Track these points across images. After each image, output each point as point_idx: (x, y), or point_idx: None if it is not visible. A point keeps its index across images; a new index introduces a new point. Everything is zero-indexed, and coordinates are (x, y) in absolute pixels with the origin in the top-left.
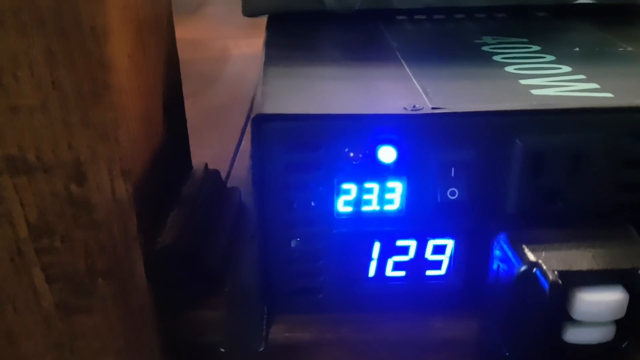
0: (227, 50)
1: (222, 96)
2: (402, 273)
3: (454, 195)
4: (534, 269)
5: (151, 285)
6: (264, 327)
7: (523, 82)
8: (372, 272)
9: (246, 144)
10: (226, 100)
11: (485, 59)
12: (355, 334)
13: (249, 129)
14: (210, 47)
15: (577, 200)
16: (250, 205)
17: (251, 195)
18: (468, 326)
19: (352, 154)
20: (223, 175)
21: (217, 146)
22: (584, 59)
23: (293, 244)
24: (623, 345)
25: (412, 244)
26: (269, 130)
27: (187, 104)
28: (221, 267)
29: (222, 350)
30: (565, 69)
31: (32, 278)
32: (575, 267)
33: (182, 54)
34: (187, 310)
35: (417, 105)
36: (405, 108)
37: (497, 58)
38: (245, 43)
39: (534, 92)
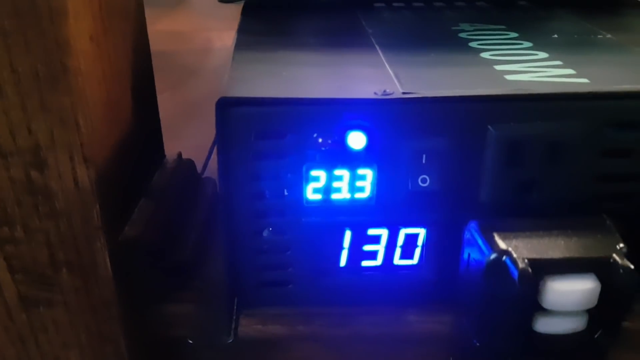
0: (209, 42)
1: (203, 88)
2: (374, 262)
3: (425, 183)
4: (504, 257)
5: (116, 278)
6: (233, 318)
7: (498, 67)
8: (343, 261)
9: None
10: (207, 93)
11: (461, 45)
12: (328, 328)
13: None
14: (192, 39)
15: (552, 191)
16: None
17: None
18: (442, 319)
19: (320, 140)
20: (199, 166)
21: (196, 138)
22: (562, 45)
23: (265, 233)
24: (595, 336)
25: (383, 232)
26: (234, 115)
27: (167, 95)
28: (191, 259)
29: (190, 342)
30: (542, 55)
31: None
32: (546, 256)
33: (164, 45)
34: (154, 305)
35: (387, 90)
36: (375, 93)
37: (473, 44)
38: (229, 36)
39: (508, 77)
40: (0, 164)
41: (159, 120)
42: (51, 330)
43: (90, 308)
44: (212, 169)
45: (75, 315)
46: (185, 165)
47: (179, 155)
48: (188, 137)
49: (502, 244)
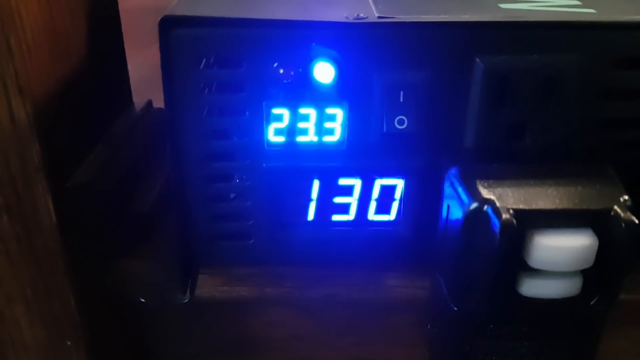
0: None
1: None
2: (345, 217)
3: (402, 124)
4: (485, 207)
5: (62, 227)
6: (189, 276)
7: None
8: (311, 215)
9: None
10: None
11: None
12: (300, 291)
13: None
14: None
15: (546, 136)
16: None
17: None
18: (425, 285)
19: (282, 71)
20: None
21: None
22: None
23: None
24: (591, 303)
25: (356, 183)
26: (180, 38)
27: (155, 50)
28: (151, 213)
29: (142, 300)
30: None
31: None
32: (535, 206)
33: (154, 1)
34: (108, 259)
35: (361, 14)
36: (347, 17)
37: None
38: None
39: (503, 5)
40: None
41: (124, 63)
42: None
43: (34, 259)
44: None
45: (18, 267)
46: (154, 114)
47: (148, 103)
48: None
49: (484, 192)
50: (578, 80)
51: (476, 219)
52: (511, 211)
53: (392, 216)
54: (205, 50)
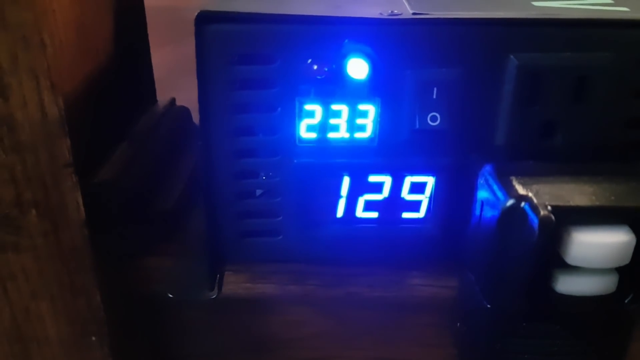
0: None
1: None
2: (374, 214)
3: (435, 121)
4: (523, 203)
5: (89, 223)
6: (217, 271)
7: None
8: (340, 212)
9: None
10: None
11: None
12: (323, 289)
13: None
14: None
15: (579, 134)
16: None
17: None
18: (449, 284)
19: (315, 67)
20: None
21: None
22: None
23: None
24: (626, 301)
25: (386, 180)
26: (215, 34)
27: (170, 49)
28: (175, 210)
29: (170, 296)
30: None
31: None
32: (572, 203)
33: (168, 1)
34: (133, 256)
35: (395, 11)
36: (381, 13)
37: None
38: None
39: (536, 3)
40: None
41: (149, 60)
42: (20, 279)
43: (61, 255)
44: None
45: (45, 263)
46: (177, 112)
47: (172, 101)
48: (190, 89)
49: (520, 189)
50: (611, 79)
51: (513, 216)
52: (549, 207)
53: (421, 214)
54: (240, 45)
